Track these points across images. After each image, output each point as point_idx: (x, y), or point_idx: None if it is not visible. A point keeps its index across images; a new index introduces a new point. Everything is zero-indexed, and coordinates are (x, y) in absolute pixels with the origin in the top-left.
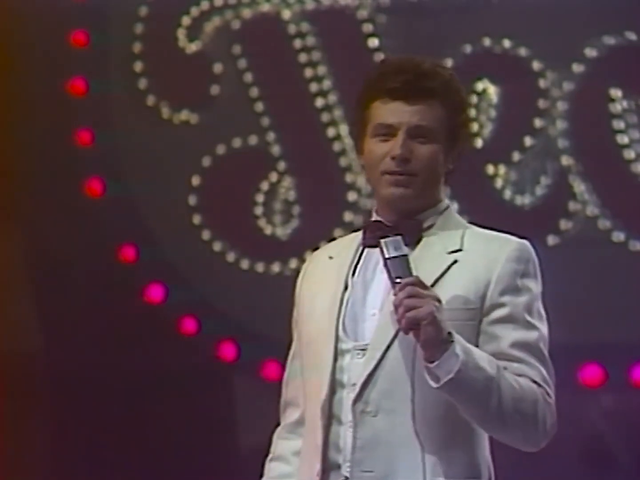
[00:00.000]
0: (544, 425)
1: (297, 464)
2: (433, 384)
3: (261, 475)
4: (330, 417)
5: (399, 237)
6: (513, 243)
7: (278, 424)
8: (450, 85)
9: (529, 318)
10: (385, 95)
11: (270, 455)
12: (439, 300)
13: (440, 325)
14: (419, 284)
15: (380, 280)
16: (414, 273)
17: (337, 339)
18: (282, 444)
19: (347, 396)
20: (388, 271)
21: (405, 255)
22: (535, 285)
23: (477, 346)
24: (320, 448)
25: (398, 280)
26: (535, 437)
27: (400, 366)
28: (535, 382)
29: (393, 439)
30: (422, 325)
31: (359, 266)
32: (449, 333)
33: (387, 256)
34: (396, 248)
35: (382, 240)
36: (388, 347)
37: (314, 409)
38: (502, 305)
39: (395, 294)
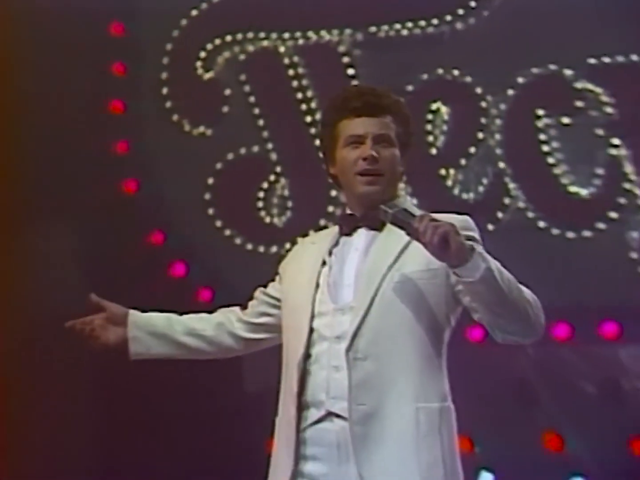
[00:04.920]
0: (540, 312)
1: (212, 334)
2: (472, 279)
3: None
4: (309, 366)
5: (390, 203)
6: (459, 218)
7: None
8: (399, 105)
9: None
10: (351, 113)
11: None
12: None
13: (461, 235)
14: (431, 214)
15: (353, 259)
16: (383, 253)
17: (313, 302)
18: (226, 313)
19: (331, 347)
20: (399, 220)
21: (403, 208)
22: (480, 248)
23: (446, 306)
24: (295, 392)
25: (411, 220)
26: (536, 321)
27: (381, 321)
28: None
29: (380, 378)
30: (451, 236)
31: (336, 249)
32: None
33: (392, 212)
34: (391, 207)
35: (382, 206)
36: (369, 306)
37: (292, 363)
38: None
39: (416, 227)
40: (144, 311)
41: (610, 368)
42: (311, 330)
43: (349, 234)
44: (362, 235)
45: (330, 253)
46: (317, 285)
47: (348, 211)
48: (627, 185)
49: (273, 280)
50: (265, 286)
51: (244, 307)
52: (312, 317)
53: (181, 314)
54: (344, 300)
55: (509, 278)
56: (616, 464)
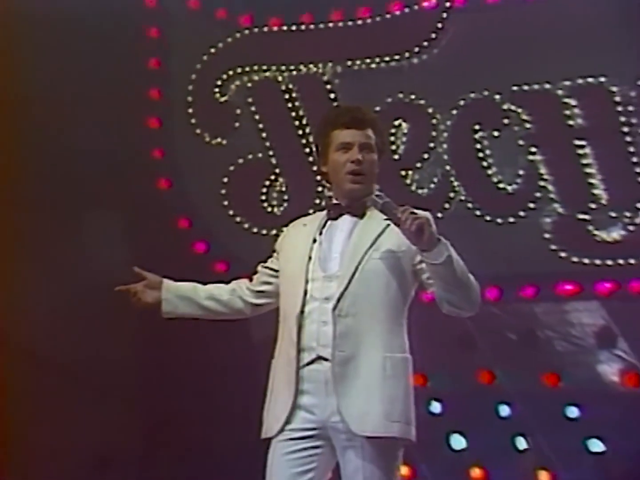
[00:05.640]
0: (479, 295)
1: (227, 298)
2: (436, 262)
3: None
4: (303, 320)
5: (380, 194)
6: (422, 213)
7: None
8: (376, 120)
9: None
10: (342, 126)
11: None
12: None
13: (432, 227)
14: (412, 208)
15: (339, 239)
16: (364, 235)
17: (307, 271)
18: (240, 284)
19: (321, 306)
20: (387, 209)
21: (389, 200)
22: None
23: (410, 279)
24: (295, 340)
25: (396, 211)
26: (476, 301)
27: (360, 287)
28: None
29: (357, 331)
30: (426, 226)
31: (324, 230)
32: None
33: (381, 202)
34: (380, 198)
35: (373, 196)
36: (352, 276)
37: (290, 317)
38: None
39: (399, 216)
40: (174, 280)
41: (529, 321)
42: (305, 292)
43: (335, 219)
44: (346, 220)
45: (319, 233)
46: (310, 258)
47: (334, 201)
48: (541, 183)
49: (272, 256)
50: (265, 262)
51: (250, 279)
52: (306, 282)
53: (204, 283)
54: (331, 270)
55: (462, 266)
56: (532, 394)
